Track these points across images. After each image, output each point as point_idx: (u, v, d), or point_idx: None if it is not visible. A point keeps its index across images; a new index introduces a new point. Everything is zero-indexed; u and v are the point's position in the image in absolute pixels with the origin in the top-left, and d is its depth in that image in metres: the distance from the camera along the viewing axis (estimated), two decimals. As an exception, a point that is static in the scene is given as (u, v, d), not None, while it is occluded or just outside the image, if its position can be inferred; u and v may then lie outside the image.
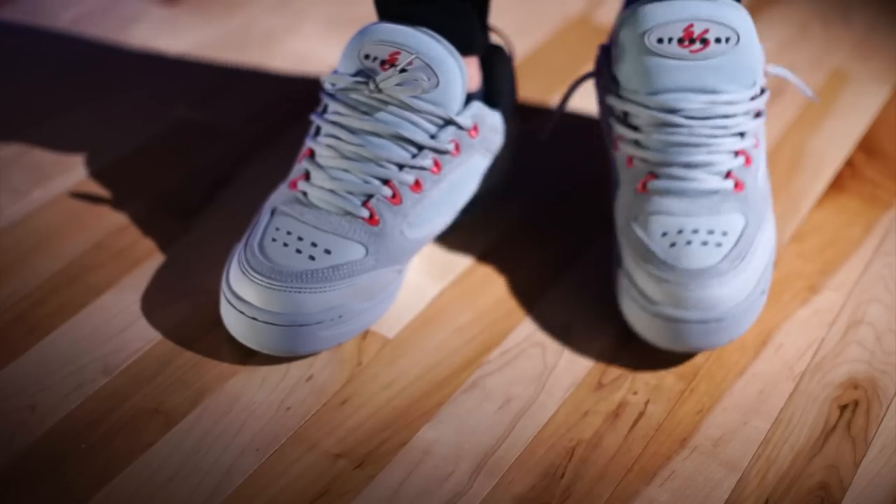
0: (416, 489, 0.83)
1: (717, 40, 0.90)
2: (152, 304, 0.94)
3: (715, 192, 0.92)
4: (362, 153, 0.92)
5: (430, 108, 0.92)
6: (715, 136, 0.92)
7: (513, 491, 0.83)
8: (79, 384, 0.88)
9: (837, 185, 1.11)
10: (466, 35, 0.97)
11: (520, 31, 1.24)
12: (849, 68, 1.26)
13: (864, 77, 1.25)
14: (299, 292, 0.88)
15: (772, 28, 1.29)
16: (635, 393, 0.90)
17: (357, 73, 0.92)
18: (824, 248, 1.04)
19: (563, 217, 1.05)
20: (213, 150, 1.11)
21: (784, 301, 0.98)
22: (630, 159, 0.93)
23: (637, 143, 0.93)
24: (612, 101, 0.94)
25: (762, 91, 0.94)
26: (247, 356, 0.91)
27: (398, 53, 0.91)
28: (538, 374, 0.91)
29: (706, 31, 0.89)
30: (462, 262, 1.01)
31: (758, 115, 0.94)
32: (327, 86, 0.94)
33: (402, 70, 0.90)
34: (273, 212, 0.93)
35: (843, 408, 0.90)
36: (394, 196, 0.92)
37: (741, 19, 0.90)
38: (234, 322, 0.90)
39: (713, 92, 0.91)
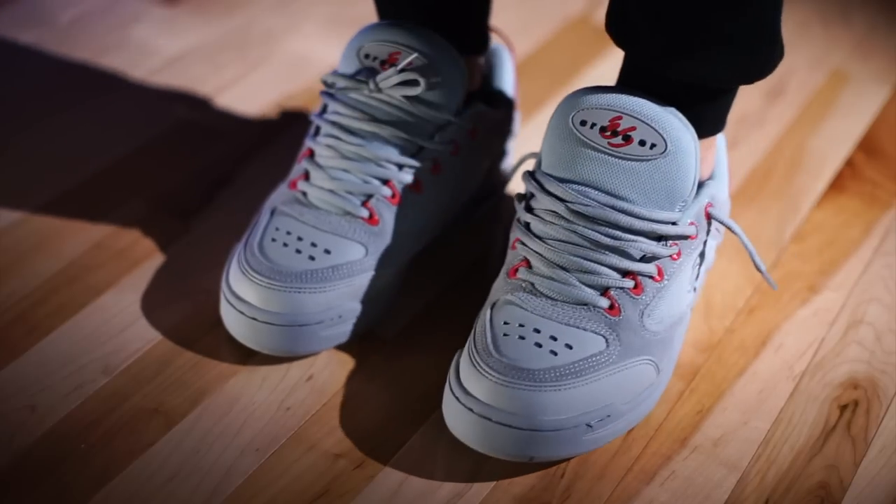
0: (416, 489, 0.83)
1: (641, 143, 0.82)
2: (152, 304, 0.94)
3: (583, 305, 0.84)
4: (362, 153, 0.92)
5: (429, 108, 0.92)
6: (599, 246, 0.83)
7: (513, 491, 0.83)
8: (79, 384, 0.88)
9: (837, 185, 1.11)
10: (467, 35, 0.97)
11: (520, 31, 1.24)
12: (849, 68, 1.26)
13: (864, 77, 1.25)
14: (299, 292, 0.88)
15: (772, 28, 1.29)
16: (635, 393, 0.90)
17: (357, 73, 0.92)
18: (824, 248, 1.04)
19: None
20: (213, 150, 1.11)
21: (784, 301, 0.98)
22: (516, 241, 0.86)
23: (526, 227, 0.86)
24: (525, 177, 0.87)
25: (692, 224, 0.85)
26: (247, 356, 0.91)
27: (398, 53, 0.91)
28: (538, 374, 0.91)
29: (632, 128, 0.82)
30: (462, 262, 1.01)
31: (669, 244, 0.85)
32: (327, 85, 0.94)
33: (402, 70, 0.90)
34: (273, 212, 0.92)
35: (843, 408, 0.90)
36: (393, 196, 0.92)
37: (677, 131, 0.83)
38: (233, 322, 0.90)
39: (616, 197, 0.83)
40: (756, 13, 0.82)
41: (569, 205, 0.83)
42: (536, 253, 0.85)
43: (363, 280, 0.90)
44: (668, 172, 0.83)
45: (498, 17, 1.04)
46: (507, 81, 1.04)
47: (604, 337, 0.83)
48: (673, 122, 0.82)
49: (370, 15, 0.98)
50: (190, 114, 1.15)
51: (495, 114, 0.99)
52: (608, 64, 1.23)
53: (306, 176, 0.93)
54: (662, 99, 0.84)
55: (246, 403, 0.88)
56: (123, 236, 1.00)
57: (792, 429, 0.88)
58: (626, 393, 0.83)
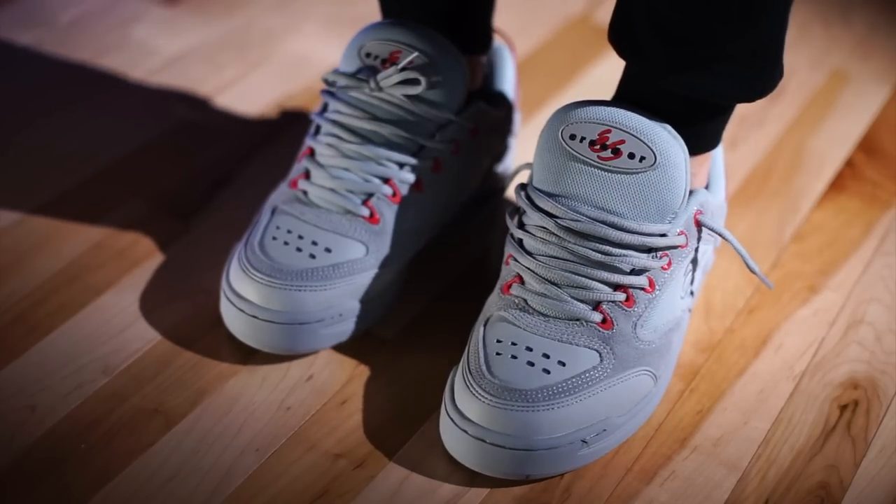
0: (416, 489, 0.83)
1: (631, 156, 0.82)
2: (152, 304, 0.94)
3: (575, 320, 0.84)
4: (362, 152, 0.92)
5: (430, 106, 0.92)
6: (590, 261, 0.83)
7: (513, 491, 0.83)
8: (79, 384, 0.88)
9: (837, 185, 1.11)
10: (470, 35, 0.97)
11: (520, 31, 1.24)
12: (849, 68, 1.26)
13: (864, 77, 1.25)
14: (300, 290, 0.88)
15: (772, 28, 1.29)
16: (635, 393, 0.90)
17: (358, 72, 0.92)
18: (824, 248, 1.04)
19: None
20: (213, 150, 1.11)
21: (784, 301, 0.98)
22: (509, 257, 0.86)
23: (519, 243, 0.86)
24: (516, 191, 0.87)
25: (681, 234, 0.85)
26: (247, 356, 0.91)
27: (399, 52, 0.91)
28: (538, 374, 0.91)
29: (621, 141, 0.82)
30: (462, 262, 1.01)
31: (659, 255, 0.84)
32: (328, 84, 0.94)
33: (403, 68, 0.90)
34: (273, 211, 0.92)
35: (843, 408, 0.90)
36: (394, 195, 0.92)
37: (666, 143, 0.82)
38: (233, 320, 0.90)
39: (606, 210, 0.83)
40: (762, 32, 0.82)
41: (558, 221, 0.83)
42: (528, 269, 0.85)
43: (364, 279, 0.90)
44: (658, 185, 0.83)
45: (498, 17, 1.04)
46: (508, 81, 1.04)
47: (597, 351, 0.83)
48: (662, 135, 0.82)
49: (371, 15, 0.98)
50: (190, 114, 1.15)
51: (496, 113, 0.99)
52: (608, 64, 1.23)
53: (307, 175, 0.93)
54: (661, 113, 0.84)
55: (246, 403, 0.88)
56: (123, 236, 1.00)
57: (792, 429, 0.88)
58: (622, 406, 0.84)
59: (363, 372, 0.91)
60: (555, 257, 0.84)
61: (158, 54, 1.22)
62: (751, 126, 1.16)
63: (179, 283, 0.96)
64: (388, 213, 0.92)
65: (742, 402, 0.90)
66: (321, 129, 0.94)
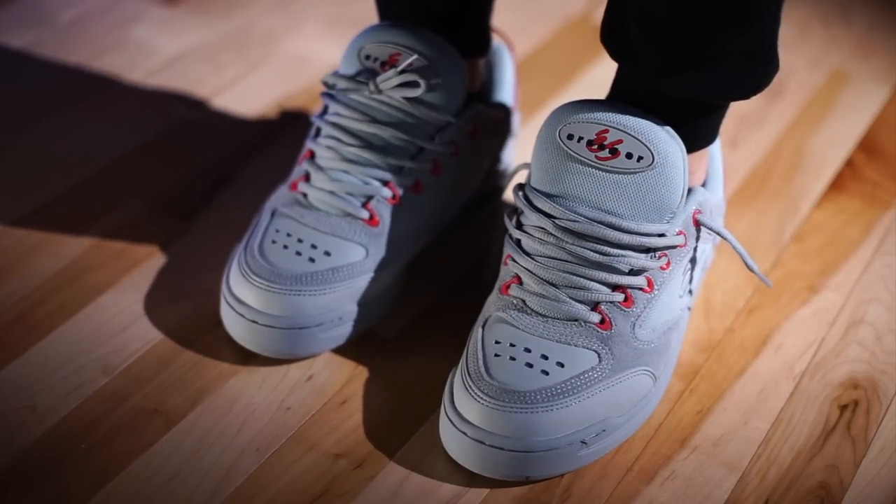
0: (416, 489, 0.83)
1: (629, 156, 0.82)
2: (152, 304, 0.94)
3: (574, 321, 0.84)
4: (362, 154, 0.91)
5: (430, 109, 0.92)
6: (588, 262, 0.83)
7: (513, 491, 0.83)
8: (79, 384, 0.88)
9: (837, 185, 1.11)
10: (469, 37, 0.96)
11: (520, 31, 1.24)
12: (849, 68, 1.26)
13: (864, 77, 1.25)
14: (299, 295, 0.88)
15: (772, 28, 1.29)
16: (635, 393, 0.90)
17: (357, 74, 0.92)
18: (824, 248, 1.04)
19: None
20: (213, 150, 1.11)
21: (784, 301, 0.98)
22: (507, 257, 0.86)
23: (517, 244, 0.86)
24: (514, 192, 0.87)
25: (679, 234, 0.85)
26: (247, 356, 0.91)
27: (399, 54, 0.91)
28: (538, 374, 0.91)
29: (619, 141, 0.82)
30: (462, 263, 1.01)
31: (658, 255, 0.84)
32: (327, 86, 0.94)
33: (403, 71, 0.90)
34: (273, 213, 0.92)
35: (843, 408, 0.90)
36: (394, 197, 0.92)
37: (664, 143, 0.82)
38: (233, 324, 0.90)
39: (604, 210, 0.83)
40: (755, 32, 0.82)
41: (556, 221, 0.83)
42: (527, 270, 0.85)
43: (363, 282, 0.90)
44: (656, 185, 0.83)
45: (498, 17, 1.04)
46: (508, 81, 1.04)
47: (596, 352, 0.83)
48: (659, 135, 0.82)
49: (370, 15, 0.98)
50: (190, 114, 1.15)
51: (495, 114, 0.99)
52: (608, 64, 1.23)
53: (307, 177, 0.93)
54: (655, 113, 0.84)
55: (246, 403, 0.88)
56: (123, 236, 1.00)
57: (792, 429, 0.88)
58: (621, 406, 0.84)
59: (363, 372, 0.91)
60: (553, 258, 0.84)
61: (158, 54, 1.22)
62: (751, 126, 1.16)
63: (179, 284, 0.96)
64: (388, 216, 0.92)
65: (742, 402, 0.90)
66: (321, 131, 0.93)
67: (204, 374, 0.89)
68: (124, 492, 0.81)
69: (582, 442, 0.82)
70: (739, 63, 0.83)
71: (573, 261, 0.83)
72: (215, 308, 0.93)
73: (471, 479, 0.83)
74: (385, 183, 0.92)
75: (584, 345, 0.83)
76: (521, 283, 0.85)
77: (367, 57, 0.92)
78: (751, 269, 0.89)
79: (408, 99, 0.91)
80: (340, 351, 0.92)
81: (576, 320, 0.83)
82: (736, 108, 0.92)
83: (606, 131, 0.82)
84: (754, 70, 0.84)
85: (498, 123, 1.00)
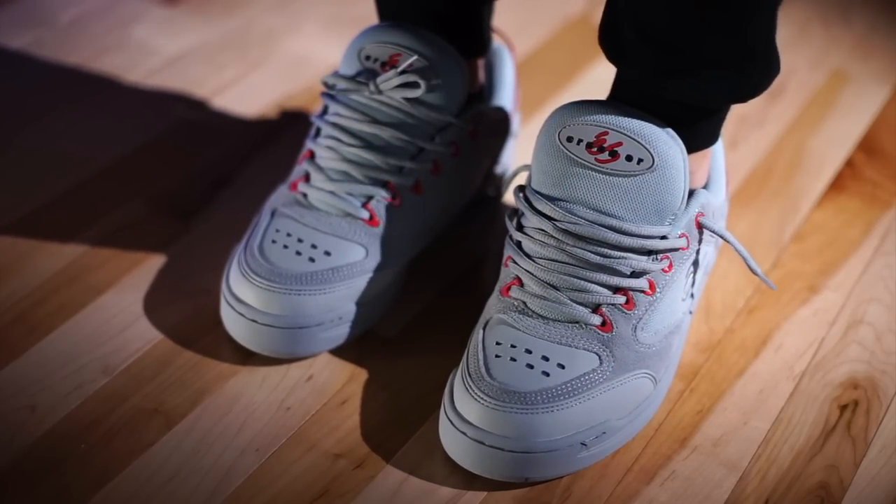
0: (416, 489, 0.83)
1: (629, 158, 0.82)
2: (152, 304, 0.94)
3: (575, 323, 0.83)
4: (362, 155, 0.91)
5: (430, 109, 0.92)
6: (589, 264, 0.83)
7: (512, 491, 0.83)
8: (79, 384, 0.88)
9: (837, 185, 1.11)
10: (469, 38, 0.96)
11: (520, 31, 1.24)
12: (849, 68, 1.26)
13: (864, 77, 1.25)
14: (299, 294, 0.88)
15: (772, 28, 1.29)
16: (635, 393, 0.90)
17: (357, 75, 0.92)
18: (824, 248, 1.04)
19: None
20: (213, 150, 1.11)
21: (784, 301, 0.98)
22: (508, 259, 0.86)
23: (518, 245, 0.86)
24: (515, 194, 0.87)
25: (682, 236, 0.85)
26: (247, 356, 0.91)
27: (399, 55, 0.91)
28: (538, 374, 0.91)
29: (619, 143, 0.81)
30: (462, 263, 1.01)
31: (659, 258, 0.84)
32: (327, 87, 0.94)
33: (403, 72, 0.90)
34: (273, 213, 0.92)
35: (843, 408, 0.90)
36: (394, 197, 0.92)
37: (664, 145, 0.82)
38: (233, 324, 0.90)
39: (604, 213, 0.83)
40: (749, 37, 0.82)
41: (557, 223, 0.83)
42: (528, 272, 0.84)
43: (363, 281, 0.90)
44: (657, 187, 0.83)
45: (498, 17, 1.04)
46: (508, 82, 1.04)
47: (597, 354, 0.83)
48: (660, 137, 0.82)
49: (371, 15, 0.98)
50: (190, 114, 1.15)
51: (496, 114, 0.99)
52: (608, 64, 1.23)
53: (307, 177, 0.93)
54: (654, 115, 0.83)
55: (246, 403, 0.88)
56: (123, 236, 1.00)
57: (792, 429, 0.88)
58: (621, 409, 0.83)
59: (363, 372, 0.91)
60: (554, 260, 0.84)
61: (158, 54, 1.22)
62: (751, 126, 1.16)
63: (180, 284, 0.96)
64: (388, 216, 0.92)
65: (742, 402, 0.90)
66: (321, 131, 0.93)
67: (204, 374, 0.89)
68: (124, 492, 0.81)
69: (582, 444, 0.82)
70: (734, 67, 0.82)
71: (574, 263, 0.83)
72: (215, 308, 0.93)
73: (470, 479, 0.83)
74: (385, 183, 0.92)
75: (584, 347, 0.83)
76: (521, 284, 0.85)
77: (368, 57, 0.92)
78: (754, 272, 0.89)
79: (408, 99, 0.91)
80: (340, 351, 0.92)
81: (577, 322, 0.83)
82: (736, 108, 0.91)
83: (606, 133, 0.82)
84: (750, 74, 0.83)
85: (498, 123, 1.00)
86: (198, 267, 0.98)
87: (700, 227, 0.86)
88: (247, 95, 1.18)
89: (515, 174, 0.92)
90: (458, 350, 0.88)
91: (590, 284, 0.83)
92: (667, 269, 0.84)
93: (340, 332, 0.91)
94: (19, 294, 0.95)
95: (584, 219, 0.83)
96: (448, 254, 1.00)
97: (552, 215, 0.84)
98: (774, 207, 1.08)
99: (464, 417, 0.81)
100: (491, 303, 0.86)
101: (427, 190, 0.93)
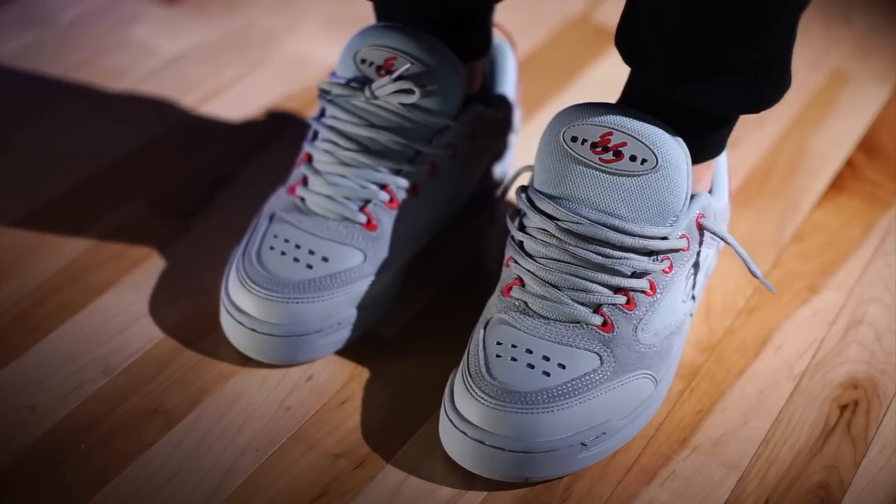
0: (416, 489, 0.83)
1: (633, 158, 0.82)
2: (152, 304, 0.94)
3: (576, 323, 0.83)
4: (359, 158, 0.91)
5: (427, 113, 0.91)
6: (591, 264, 0.83)
7: (513, 491, 0.83)
8: (79, 384, 0.88)
9: (837, 185, 1.11)
10: (467, 41, 0.96)
11: (520, 31, 1.24)
12: (849, 68, 1.26)
13: (864, 77, 1.25)
14: (297, 303, 0.88)
15: (772, 28, 1.29)
16: (635, 393, 0.90)
17: (354, 78, 0.92)
18: (824, 248, 1.04)
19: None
20: (213, 150, 1.11)
21: (784, 301, 0.98)
22: (510, 259, 0.86)
23: (519, 245, 0.86)
24: (517, 194, 0.86)
25: (683, 237, 0.85)
26: (247, 357, 0.90)
27: (394, 59, 0.90)
28: (538, 374, 0.91)
29: (623, 143, 0.82)
30: (462, 263, 1.01)
31: (660, 258, 0.84)
32: (323, 93, 0.93)
33: (397, 78, 0.90)
34: (271, 218, 0.92)
35: (843, 408, 0.90)
36: (391, 201, 0.92)
37: (667, 146, 0.82)
38: (233, 332, 0.90)
39: (607, 213, 0.83)
40: (769, 46, 0.81)
41: (559, 223, 0.83)
42: (529, 272, 0.84)
43: (362, 286, 0.90)
44: (660, 188, 0.83)
45: (498, 17, 1.04)
46: (510, 77, 1.04)
47: (597, 354, 0.83)
48: (663, 138, 0.82)
49: (370, 15, 0.98)
50: (190, 114, 1.15)
51: (495, 114, 0.98)
52: (608, 64, 1.24)
53: (304, 181, 0.93)
54: (664, 120, 0.83)
55: (246, 403, 0.88)
56: (123, 236, 1.00)
57: (792, 429, 0.88)
58: (622, 409, 0.83)
59: (363, 372, 0.91)
60: (555, 259, 0.84)
61: (158, 54, 1.22)
62: (751, 126, 1.16)
63: (180, 284, 0.96)
64: (386, 220, 0.91)
65: (742, 402, 0.90)
66: (318, 134, 0.93)
67: (204, 374, 0.89)
68: (124, 492, 0.81)
69: (582, 444, 0.82)
70: (751, 76, 0.82)
71: (575, 263, 0.83)
72: (215, 308, 0.93)
73: (470, 479, 0.83)
74: (383, 187, 0.92)
75: (585, 347, 0.83)
76: (523, 284, 0.85)
77: (363, 61, 0.91)
78: (754, 275, 0.89)
79: (404, 104, 0.91)
80: (340, 351, 0.92)
81: (578, 322, 0.83)
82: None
83: (610, 134, 0.82)
84: (766, 83, 0.83)
85: (498, 123, 1.00)
86: (198, 267, 0.98)
87: (701, 228, 0.86)
88: (247, 95, 1.18)
89: (517, 175, 0.92)
90: (458, 350, 0.88)
91: (591, 284, 0.83)
92: (667, 269, 0.84)
93: (340, 337, 0.91)
94: (19, 294, 0.95)
95: (587, 218, 0.83)
96: (448, 254, 1.00)
97: (554, 215, 0.84)
98: (774, 207, 1.08)
99: (464, 417, 0.81)
100: (492, 303, 0.86)
101: (425, 192, 0.93)
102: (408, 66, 0.90)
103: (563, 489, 0.83)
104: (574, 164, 0.83)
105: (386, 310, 0.94)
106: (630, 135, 0.82)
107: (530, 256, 0.85)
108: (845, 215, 1.07)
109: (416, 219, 0.93)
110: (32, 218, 1.02)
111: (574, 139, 0.83)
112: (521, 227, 0.86)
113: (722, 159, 0.95)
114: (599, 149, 0.82)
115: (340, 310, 0.89)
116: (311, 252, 0.90)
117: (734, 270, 0.99)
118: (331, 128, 0.92)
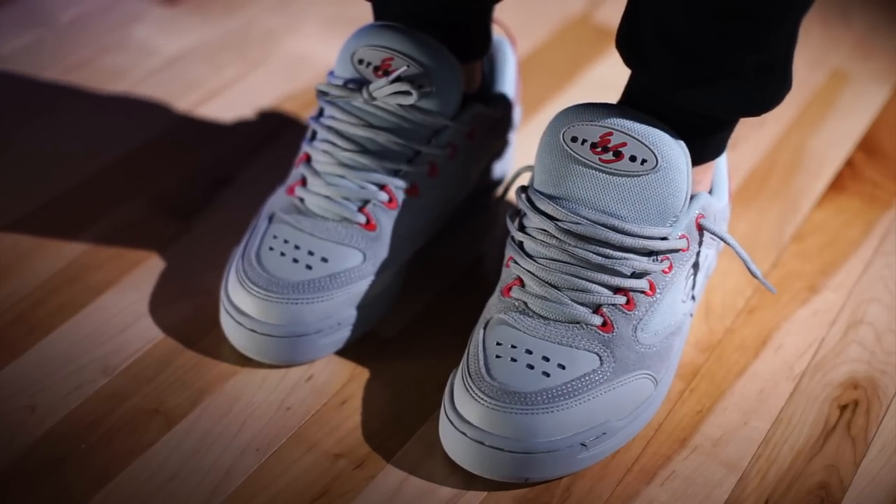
0: (416, 489, 0.83)
1: (633, 158, 0.82)
2: (152, 304, 0.94)
3: (575, 323, 0.83)
4: (358, 159, 0.91)
5: (425, 114, 0.91)
6: (590, 264, 0.83)
7: (513, 491, 0.83)
8: (79, 384, 0.88)
9: (837, 185, 1.11)
10: (466, 42, 0.95)
11: (520, 31, 1.24)
12: (849, 68, 1.26)
13: (864, 77, 1.25)
14: (297, 303, 0.88)
15: (772, 28, 1.29)
16: (635, 393, 0.90)
17: (352, 79, 0.92)
18: (824, 248, 1.04)
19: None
20: (213, 149, 1.11)
21: (784, 301, 0.98)
22: (509, 259, 0.86)
23: (519, 246, 0.86)
24: (517, 194, 0.87)
25: (682, 238, 0.85)
26: (247, 357, 0.90)
27: (391, 59, 0.90)
28: (538, 374, 0.91)
29: (623, 144, 0.82)
30: (461, 263, 1.01)
31: (660, 258, 0.84)
32: (321, 94, 0.93)
33: (395, 80, 0.90)
34: (271, 218, 0.92)
35: (843, 408, 0.90)
36: (390, 201, 0.92)
37: (667, 146, 0.82)
38: (233, 333, 0.90)
39: (607, 213, 0.83)
40: (771, 49, 0.81)
41: (559, 223, 0.83)
42: (529, 272, 0.84)
43: (361, 286, 0.90)
44: (660, 188, 0.83)
45: (497, 17, 1.04)
46: (509, 75, 1.03)
47: (597, 354, 0.83)
48: (663, 138, 0.82)
49: (370, 15, 0.98)
50: (190, 114, 1.15)
51: (493, 113, 0.98)
52: (608, 64, 1.24)
53: (303, 182, 0.93)
54: (665, 123, 0.83)
55: (246, 403, 0.88)
56: (123, 236, 1.00)
57: (792, 429, 0.88)
58: (621, 409, 0.83)
59: (363, 372, 0.91)
60: (555, 260, 0.84)
61: (158, 54, 1.22)
62: (751, 126, 1.16)
63: (180, 283, 0.96)
64: (385, 220, 0.91)
65: (742, 402, 0.90)
66: (317, 134, 0.93)
67: (204, 374, 0.89)
68: (124, 492, 0.81)
69: (582, 444, 0.82)
70: (752, 80, 0.82)
71: (575, 263, 0.83)
72: (215, 308, 0.93)
73: (470, 479, 0.83)
74: (381, 187, 0.92)
75: (585, 347, 0.83)
76: (522, 285, 0.85)
77: (360, 61, 0.91)
78: (754, 276, 0.89)
79: (402, 105, 0.91)
80: (340, 351, 0.92)
81: (577, 322, 0.83)
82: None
83: (610, 134, 0.82)
84: (767, 87, 0.83)
85: (497, 123, 0.99)
86: (198, 267, 0.98)
87: (700, 229, 0.86)
88: (247, 95, 1.18)
89: (517, 176, 0.92)
90: (457, 350, 0.88)
91: (591, 284, 0.83)
92: (667, 270, 0.84)
93: (340, 337, 0.91)
94: (19, 294, 0.95)
95: (587, 219, 0.83)
96: (448, 254, 1.00)
97: (554, 215, 0.84)
98: (774, 207, 1.08)
99: (464, 418, 0.81)
100: (491, 303, 0.86)
101: (424, 192, 0.93)
102: (405, 67, 0.90)
103: (563, 489, 0.83)
104: (574, 165, 0.83)
105: (386, 310, 0.94)
106: (630, 135, 0.82)
107: (530, 257, 0.85)
108: (845, 215, 1.07)
109: (415, 219, 0.93)
110: (32, 218, 1.02)
111: (574, 139, 0.83)
112: (521, 228, 0.86)
113: (722, 159, 0.95)
114: (599, 149, 0.82)
115: (340, 310, 0.89)
116: (311, 253, 0.90)
117: (734, 270, 0.99)
118: (329, 128, 0.92)
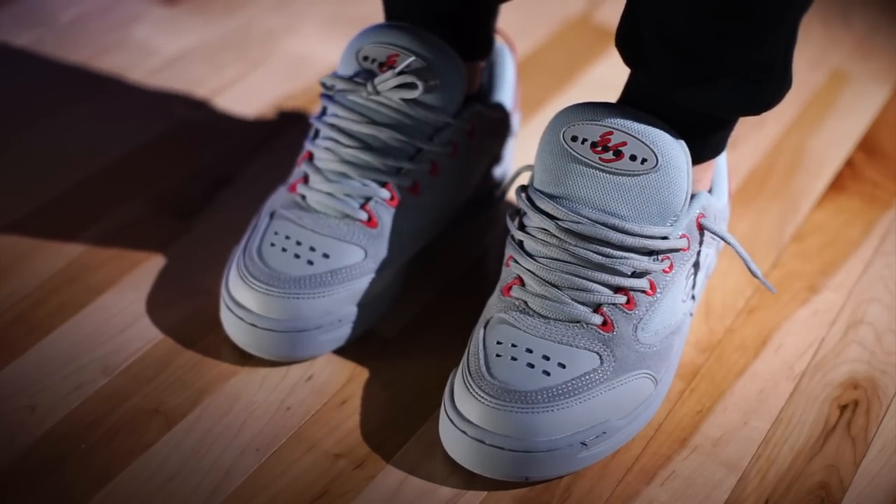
0: (416, 489, 0.83)
1: (633, 158, 0.82)
2: (152, 304, 0.94)
3: (576, 322, 0.83)
4: (360, 156, 0.91)
5: (428, 110, 0.92)
6: (591, 263, 0.83)
7: (513, 491, 0.83)
8: (79, 384, 0.88)
9: (837, 185, 1.11)
10: (471, 40, 0.96)
11: (520, 31, 1.24)
12: (849, 68, 1.26)
13: (864, 77, 1.25)
14: (298, 298, 0.88)
15: (772, 28, 1.29)
16: (635, 393, 0.90)
17: (355, 75, 0.92)
18: (824, 248, 1.04)
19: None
20: (213, 150, 1.11)
21: (784, 301, 0.98)
22: (509, 259, 0.86)
23: (519, 245, 0.86)
24: (517, 193, 0.86)
25: (683, 237, 0.85)
26: (247, 356, 0.91)
27: (396, 55, 0.90)
28: (538, 374, 0.91)
29: (623, 143, 0.82)
30: (462, 263, 1.01)
31: (660, 258, 0.84)
32: (326, 88, 0.93)
33: (400, 73, 0.90)
34: (272, 215, 0.92)
35: (843, 408, 0.90)
36: (392, 198, 0.92)
37: (667, 145, 0.82)
38: (233, 328, 0.90)
39: (607, 212, 0.83)
40: (770, 49, 0.81)
41: (559, 223, 0.83)
42: (529, 271, 0.85)
43: (362, 283, 0.90)
44: (660, 187, 0.83)
45: (498, 19, 1.04)
46: (508, 81, 1.04)
47: (597, 354, 0.83)
48: (664, 137, 0.82)
49: (370, 15, 0.98)
50: (190, 114, 1.15)
51: (494, 114, 0.99)
52: (608, 64, 1.24)
53: (305, 179, 0.93)
54: (665, 122, 0.83)
55: (246, 403, 0.88)
56: (123, 236, 1.00)
57: (792, 429, 0.88)
58: (621, 409, 0.83)
59: (363, 372, 0.91)
60: (555, 259, 0.84)
61: (158, 54, 1.22)
62: (751, 126, 1.16)
63: (180, 284, 0.96)
64: (386, 217, 0.92)
65: (742, 402, 0.90)
66: (320, 132, 0.93)
67: (204, 374, 0.89)
68: (124, 492, 0.81)
69: (582, 443, 0.82)
70: (752, 79, 0.82)
71: (575, 262, 0.83)
72: (215, 308, 0.93)
73: (470, 479, 0.83)
74: (383, 184, 0.92)
75: (585, 346, 0.83)
76: (523, 284, 0.85)
77: (366, 58, 0.92)
78: (754, 275, 0.89)
79: (406, 100, 0.91)
80: (340, 351, 0.92)
81: (577, 322, 0.83)
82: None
83: (611, 133, 0.82)
84: (766, 86, 0.83)
85: (497, 123, 1.00)
86: (198, 267, 0.98)
87: (701, 228, 0.86)
88: (247, 95, 1.18)
89: (517, 175, 0.92)
90: (458, 350, 0.88)
91: (591, 284, 0.83)
92: (667, 269, 0.85)
93: (340, 334, 0.91)
94: (19, 294, 0.95)
95: (587, 218, 0.83)
96: (448, 254, 1.00)
97: (555, 214, 0.84)
98: (774, 207, 1.08)
99: (464, 416, 0.81)
100: (492, 302, 0.86)
101: (425, 190, 0.93)
102: (411, 59, 0.90)
103: (563, 489, 0.83)
104: (574, 164, 0.83)
105: (386, 309, 0.94)
106: (630, 134, 0.82)
107: (530, 256, 0.85)
108: (845, 215, 1.07)
109: (416, 217, 0.93)
110: (32, 218, 1.02)
111: (574, 139, 0.83)
112: (521, 227, 0.86)
113: (722, 159, 0.95)
114: (599, 148, 0.82)
115: (341, 306, 0.90)
116: (312, 249, 0.90)
117: (734, 270, 0.99)
118: (332, 125, 0.92)
